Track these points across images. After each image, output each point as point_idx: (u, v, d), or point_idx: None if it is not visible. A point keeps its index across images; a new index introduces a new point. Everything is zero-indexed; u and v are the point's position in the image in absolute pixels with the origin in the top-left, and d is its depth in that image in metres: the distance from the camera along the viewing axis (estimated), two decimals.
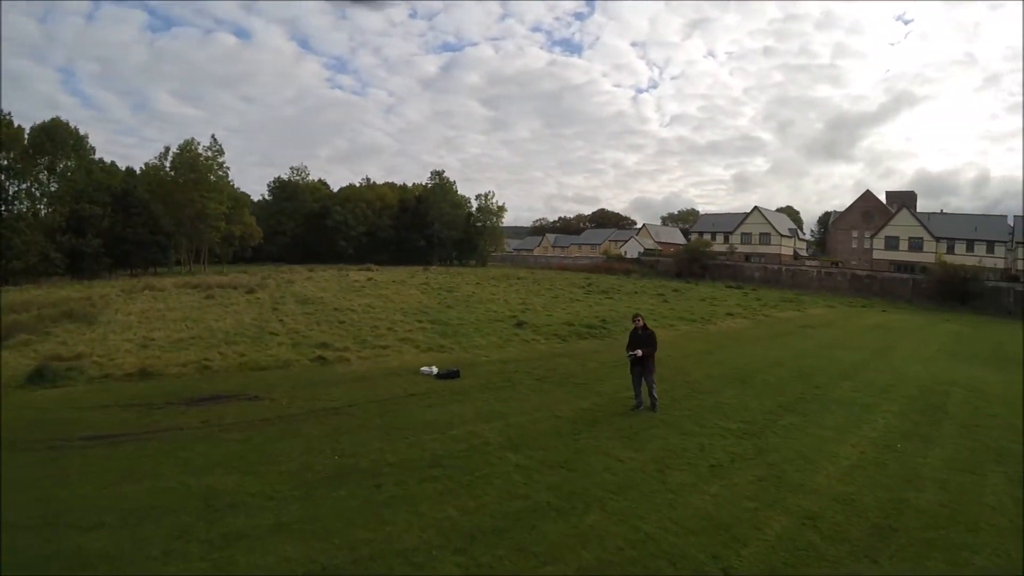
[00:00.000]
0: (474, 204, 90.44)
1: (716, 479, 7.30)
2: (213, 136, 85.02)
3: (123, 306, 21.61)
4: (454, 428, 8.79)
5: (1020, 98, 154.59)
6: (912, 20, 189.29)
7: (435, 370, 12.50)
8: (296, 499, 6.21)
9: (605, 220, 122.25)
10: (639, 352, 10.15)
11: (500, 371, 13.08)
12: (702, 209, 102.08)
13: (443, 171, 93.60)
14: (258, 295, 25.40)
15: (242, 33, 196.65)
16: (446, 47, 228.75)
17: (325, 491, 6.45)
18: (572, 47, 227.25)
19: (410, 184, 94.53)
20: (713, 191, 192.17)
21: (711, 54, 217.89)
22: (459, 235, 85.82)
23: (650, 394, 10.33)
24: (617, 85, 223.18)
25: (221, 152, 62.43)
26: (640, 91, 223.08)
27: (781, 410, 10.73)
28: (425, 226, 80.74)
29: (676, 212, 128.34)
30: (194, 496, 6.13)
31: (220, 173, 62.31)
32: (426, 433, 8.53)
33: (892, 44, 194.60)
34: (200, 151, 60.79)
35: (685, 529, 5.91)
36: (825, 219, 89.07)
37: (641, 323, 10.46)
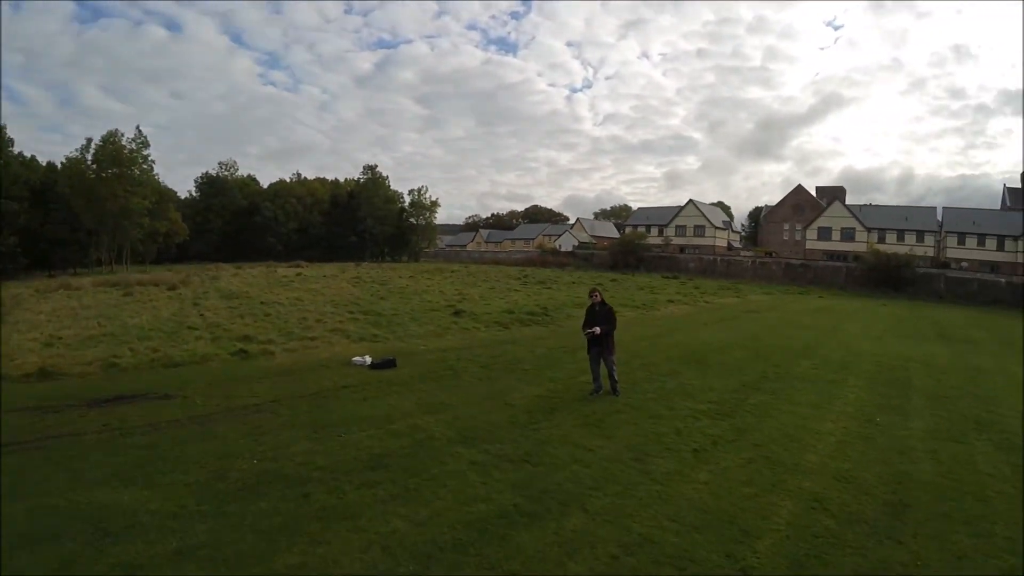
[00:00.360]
0: (407, 199, 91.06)
1: (703, 465, 6.57)
2: (138, 127, 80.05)
3: (34, 305, 19.96)
4: (394, 422, 7.56)
5: (944, 101, 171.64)
6: (842, 26, 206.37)
7: (369, 360, 11.22)
8: (206, 516, 4.95)
9: (538, 216, 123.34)
10: (597, 330, 9.25)
11: (441, 359, 11.95)
12: (634, 206, 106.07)
13: (375, 165, 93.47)
14: (180, 291, 23.88)
15: (173, 26, 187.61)
16: (381, 44, 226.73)
17: (241, 505, 5.16)
18: (508, 46, 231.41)
19: (342, 180, 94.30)
20: (645, 188, 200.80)
21: (645, 55, 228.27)
22: (391, 231, 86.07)
23: (610, 376, 9.49)
24: (552, 84, 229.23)
25: (146, 144, 61.23)
26: (574, 90, 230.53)
27: (747, 389, 10.34)
28: (357, 222, 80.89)
29: (609, 208, 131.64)
30: (82, 517, 4.93)
31: (145, 167, 61.16)
32: (362, 429, 7.27)
33: (822, 49, 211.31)
34: (124, 143, 59.34)
35: (685, 526, 5.01)
36: (755, 214, 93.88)
37: (599, 298, 9.54)
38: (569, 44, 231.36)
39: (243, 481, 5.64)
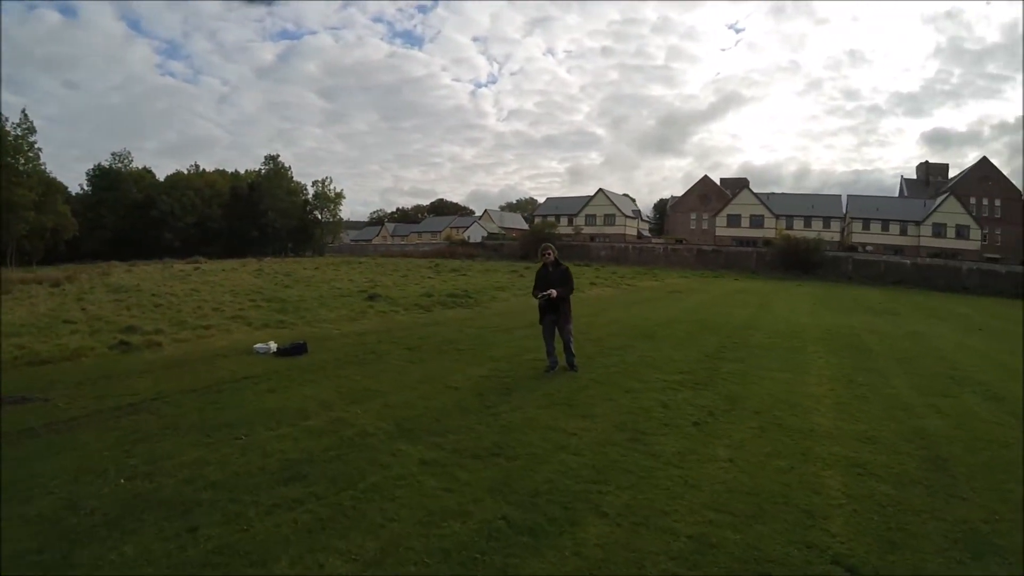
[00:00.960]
0: (311, 191, 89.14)
1: (713, 439, 5.64)
2: (24, 112, 70.78)
3: None
4: (311, 417, 5.91)
5: (839, 102, 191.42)
6: (744, 29, 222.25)
7: (274, 347, 9.39)
8: (46, 567, 3.24)
9: (444, 209, 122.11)
10: (553, 293, 8.08)
11: (359, 343, 10.25)
12: (540, 200, 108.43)
13: (277, 155, 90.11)
14: (64, 288, 20.61)
15: (68, 10, 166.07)
16: (284, 35, 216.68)
17: (98, 548, 3.40)
18: (413, 40, 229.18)
19: (243, 171, 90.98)
20: (548, 183, 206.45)
21: (551, 52, 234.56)
22: (295, 224, 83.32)
23: (566, 349, 8.37)
24: (456, 79, 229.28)
25: (32, 131, 59.18)
26: (479, 86, 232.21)
27: (712, 359, 9.74)
28: (259, 215, 78.29)
29: (515, 201, 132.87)
30: None
31: (31, 155, 59.41)
32: (269, 428, 5.56)
33: (723, 50, 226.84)
34: (9, 128, 57.35)
35: (737, 516, 3.95)
36: (660, 205, 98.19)
37: (551, 257, 8.39)
38: (475, 39, 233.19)
39: (104, 512, 3.83)
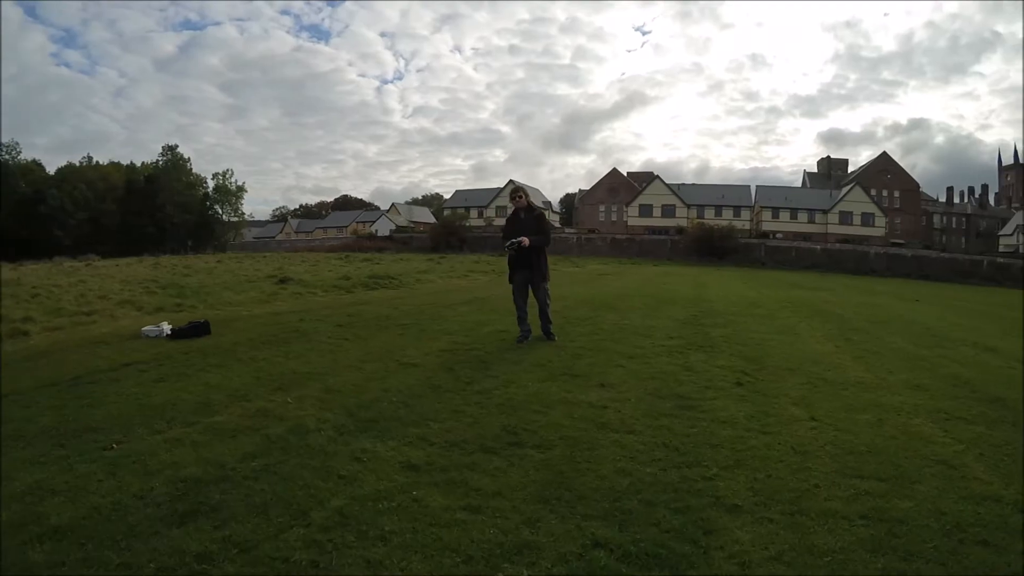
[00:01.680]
0: (211, 184, 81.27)
1: (773, 400, 4.55)
2: None
3: None
4: (219, 412, 3.94)
5: (740, 103, 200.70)
6: (650, 32, 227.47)
7: (167, 328, 7.06)
8: None
9: (349, 205, 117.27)
10: (524, 240, 6.53)
11: (276, 322, 8.12)
12: (447, 196, 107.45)
13: (176, 145, 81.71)
14: None
15: None
16: (187, 25, 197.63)
17: None
18: (320, 34, 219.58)
19: (139, 164, 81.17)
20: (452, 180, 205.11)
21: (458, 49, 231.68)
22: (195, 220, 76.76)
23: (541, 313, 6.87)
24: (362, 75, 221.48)
25: None
26: (385, 82, 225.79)
27: (695, 326, 8.75)
28: (156, 210, 71.23)
29: (420, 197, 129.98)
30: None
31: None
32: (155, 430, 3.58)
33: (629, 51, 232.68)
34: None
35: (886, 481, 2.96)
36: (567, 200, 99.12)
37: (524, 201, 6.86)
38: (383, 35, 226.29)
39: None
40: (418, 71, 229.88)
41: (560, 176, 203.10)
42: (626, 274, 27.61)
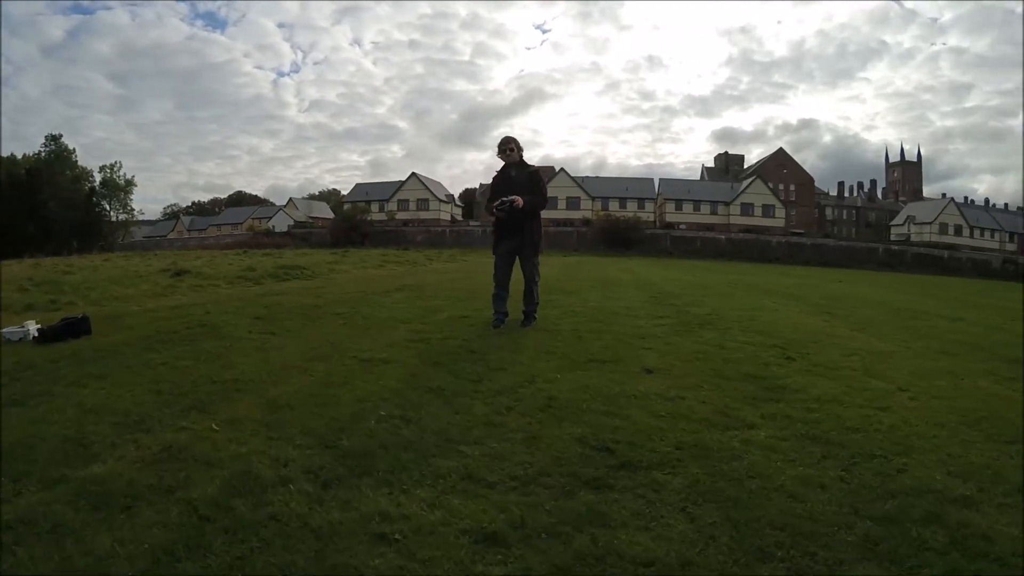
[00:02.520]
0: (98, 178, 71.99)
1: (839, 372, 4.01)
2: None
3: None
4: (100, 456, 2.25)
5: (636, 102, 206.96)
6: (550, 30, 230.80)
7: (34, 329, 4.94)
8: None
9: (244, 201, 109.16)
10: (518, 200, 5.23)
11: (177, 315, 6.13)
12: (343, 192, 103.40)
13: (60, 135, 70.51)
14: None
15: None
16: (77, 9, 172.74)
17: None
18: (217, 22, 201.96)
19: (19, 156, 70.65)
20: (348, 177, 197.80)
21: (357, 42, 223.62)
22: (80, 217, 67.13)
23: (527, 292, 5.69)
24: (259, 67, 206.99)
25: None
26: (282, 74, 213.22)
27: (665, 304, 8.06)
28: (38, 207, 61.46)
29: (317, 193, 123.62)
30: None
31: None
32: None
33: (529, 48, 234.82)
34: None
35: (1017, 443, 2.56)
36: (466, 196, 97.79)
37: (516, 155, 5.54)
38: (281, 25, 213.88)
39: None
40: (315, 64, 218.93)
41: (458, 172, 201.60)
42: (544, 263, 26.91)
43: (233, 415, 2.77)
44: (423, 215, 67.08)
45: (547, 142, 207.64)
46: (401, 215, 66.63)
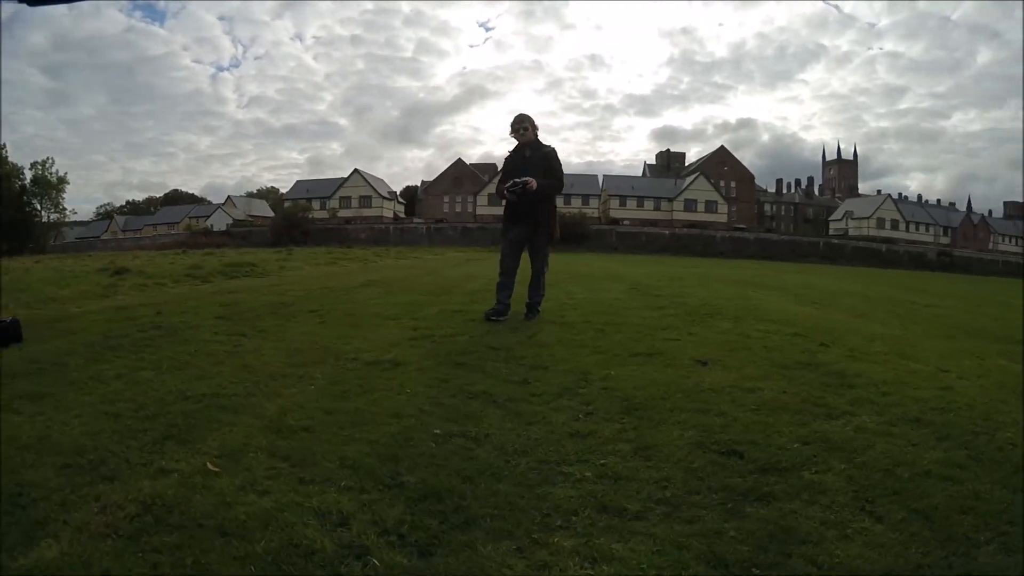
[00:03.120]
0: (28, 175, 66.85)
1: (871, 355, 3.82)
2: None
3: None
4: (39, 506, 1.47)
5: (577, 100, 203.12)
6: (493, 28, 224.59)
7: None
8: None
9: (180, 199, 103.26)
10: (532, 182, 4.71)
11: (125, 317, 5.05)
12: (281, 190, 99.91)
13: None
14: None
15: None
16: None
17: None
18: (155, 14, 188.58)
19: None
20: (287, 175, 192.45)
21: (299, 37, 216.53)
22: (11, 216, 61.96)
23: (533, 282, 5.16)
24: (197, 61, 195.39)
25: None
26: (221, 69, 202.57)
27: (652, 296, 7.93)
28: None
29: (256, 191, 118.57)
30: None
31: None
32: None
33: (472, 46, 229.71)
34: None
35: None
36: (407, 193, 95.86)
37: (531, 135, 5.03)
38: (222, 18, 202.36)
39: None
40: (256, 59, 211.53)
41: (398, 170, 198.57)
42: (489, 260, 26.41)
43: (230, 445, 2.05)
44: (366, 212, 65.09)
45: (488, 140, 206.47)
46: (343, 213, 64.43)
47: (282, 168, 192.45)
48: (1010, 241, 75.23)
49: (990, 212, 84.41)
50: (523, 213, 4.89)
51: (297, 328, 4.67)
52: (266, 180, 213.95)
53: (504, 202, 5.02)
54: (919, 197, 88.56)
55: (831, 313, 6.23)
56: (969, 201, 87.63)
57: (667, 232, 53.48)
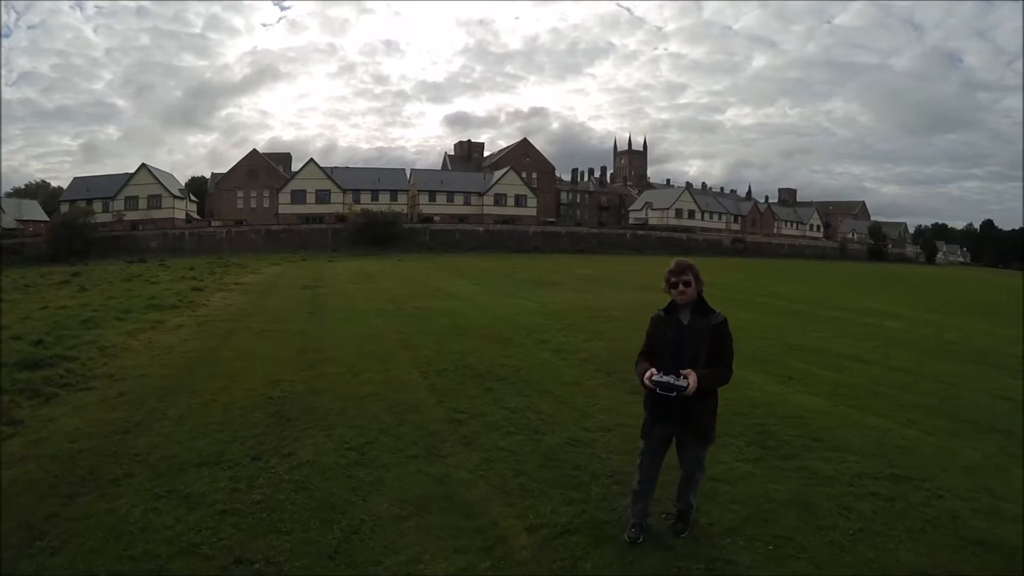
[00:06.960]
0: None
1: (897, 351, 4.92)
2: None
3: None
4: None
5: (369, 86, 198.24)
6: (289, 7, 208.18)
7: None
8: None
9: None
10: (692, 382, 2.99)
11: None
12: (55, 184, 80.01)
13: None
14: None
15: None
16: None
17: None
18: None
19: None
20: (59, 164, 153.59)
21: (79, 6, 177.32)
22: None
23: (685, 486, 3.39)
24: None
25: None
26: None
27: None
28: None
29: (23, 187, 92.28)
30: None
31: None
32: None
33: (265, 25, 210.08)
34: None
35: None
36: (194, 184, 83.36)
37: (694, 292, 3.19)
38: None
39: None
40: (29, 28, 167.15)
41: (181, 157, 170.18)
42: (328, 267, 24.57)
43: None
44: (156, 214, 54.26)
45: (276, 124, 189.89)
46: (131, 215, 53.69)
47: (53, 156, 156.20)
48: (791, 226, 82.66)
49: (767, 198, 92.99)
50: (679, 413, 3.20)
51: (272, 340, 4.66)
52: (34, 170, 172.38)
53: (646, 391, 3.25)
54: (703, 185, 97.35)
55: (777, 318, 7.63)
56: (750, 189, 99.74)
57: (480, 228, 52.93)
